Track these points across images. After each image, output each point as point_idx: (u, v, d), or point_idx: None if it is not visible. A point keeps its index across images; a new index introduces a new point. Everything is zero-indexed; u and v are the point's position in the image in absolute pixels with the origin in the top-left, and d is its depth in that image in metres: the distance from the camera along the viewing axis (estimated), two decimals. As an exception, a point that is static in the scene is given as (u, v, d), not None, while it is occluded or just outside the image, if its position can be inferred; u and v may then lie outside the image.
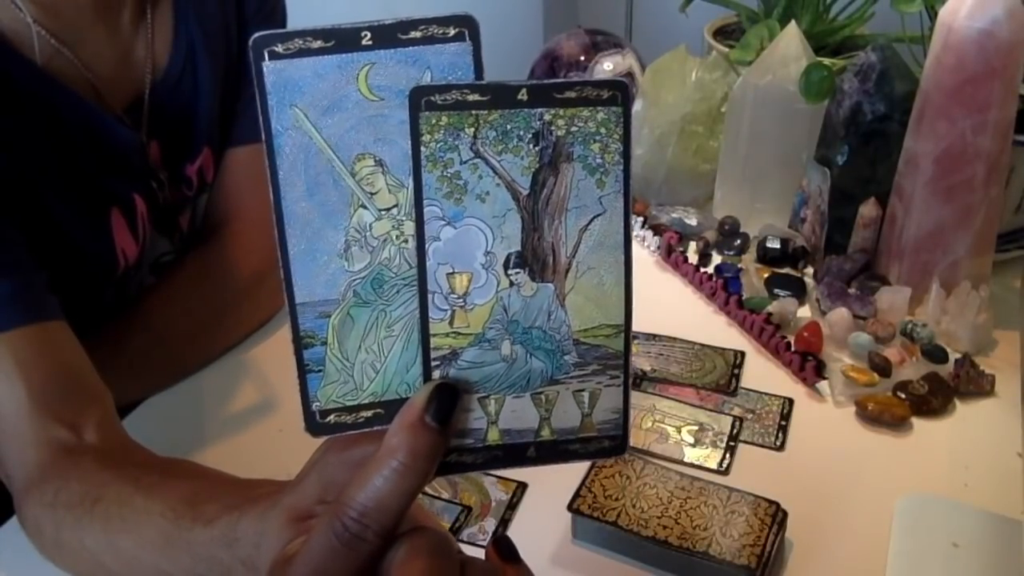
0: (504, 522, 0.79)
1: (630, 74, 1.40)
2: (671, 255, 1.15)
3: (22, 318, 0.75)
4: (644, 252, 1.18)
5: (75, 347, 0.78)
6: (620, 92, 0.44)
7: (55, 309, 0.78)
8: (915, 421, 0.90)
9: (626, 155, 0.44)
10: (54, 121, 0.84)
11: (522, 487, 0.82)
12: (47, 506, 0.69)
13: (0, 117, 0.80)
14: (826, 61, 1.14)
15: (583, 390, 0.47)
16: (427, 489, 0.81)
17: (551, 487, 0.79)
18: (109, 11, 0.90)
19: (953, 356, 0.96)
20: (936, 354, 0.96)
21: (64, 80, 0.85)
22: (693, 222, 1.21)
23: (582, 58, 1.41)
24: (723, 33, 1.39)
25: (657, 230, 1.19)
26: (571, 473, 0.77)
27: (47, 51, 0.84)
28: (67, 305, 0.79)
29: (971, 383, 0.92)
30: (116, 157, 0.90)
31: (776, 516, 0.74)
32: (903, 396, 0.90)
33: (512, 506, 0.81)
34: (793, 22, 1.17)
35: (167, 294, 0.98)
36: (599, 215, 0.45)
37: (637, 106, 1.25)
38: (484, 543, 0.77)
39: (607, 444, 0.48)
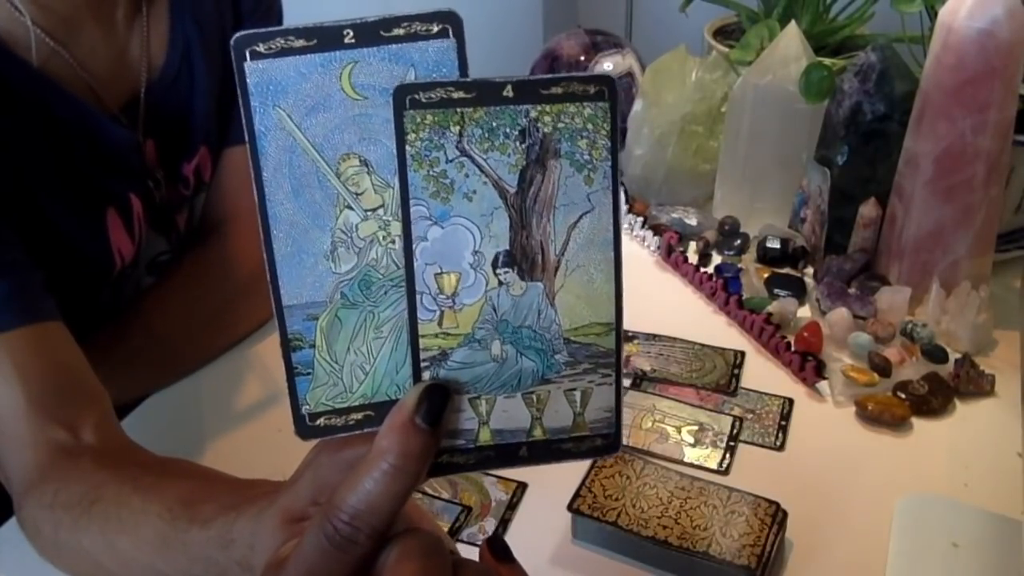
0: (504, 522, 0.79)
1: (630, 74, 1.39)
2: (671, 255, 1.15)
3: (19, 319, 0.75)
4: (644, 252, 1.18)
5: (72, 348, 0.78)
6: (606, 87, 0.44)
7: (52, 310, 0.78)
8: (915, 421, 0.89)
9: (614, 151, 0.44)
10: (50, 121, 0.84)
11: (522, 487, 0.82)
12: (46, 507, 0.69)
13: None
14: (826, 61, 1.14)
15: (575, 389, 0.46)
16: (427, 489, 0.82)
17: (551, 487, 0.79)
18: (105, 10, 0.89)
19: (953, 356, 0.95)
20: (936, 354, 0.96)
21: (60, 80, 0.85)
22: (693, 222, 1.21)
23: (582, 58, 1.41)
24: (723, 33, 1.39)
25: (657, 230, 1.19)
26: (571, 473, 0.77)
27: (43, 51, 0.84)
28: (64, 305, 0.79)
29: (971, 383, 0.92)
30: (112, 156, 0.90)
31: (776, 516, 0.73)
32: (903, 396, 0.90)
33: (512, 506, 0.81)
34: (793, 22, 1.17)
35: (165, 294, 0.99)
36: (587, 212, 0.44)
37: (637, 106, 1.25)
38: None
39: (600, 443, 0.47)
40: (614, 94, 0.44)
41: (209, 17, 0.98)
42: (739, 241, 1.17)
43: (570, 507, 0.75)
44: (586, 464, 0.78)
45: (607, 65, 1.40)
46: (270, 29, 0.42)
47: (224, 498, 0.58)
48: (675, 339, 1.01)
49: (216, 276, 1.01)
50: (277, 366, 1.03)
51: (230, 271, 1.02)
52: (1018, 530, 0.76)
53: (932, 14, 1.03)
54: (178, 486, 0.64)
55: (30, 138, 0.83)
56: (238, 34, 0.42)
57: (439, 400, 0.44)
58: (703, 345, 1.00)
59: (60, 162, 0.86)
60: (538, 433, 0.46)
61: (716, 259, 1.16)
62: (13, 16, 0.82)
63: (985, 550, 0.75)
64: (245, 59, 0.43)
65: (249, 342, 1.03)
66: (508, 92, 0.43)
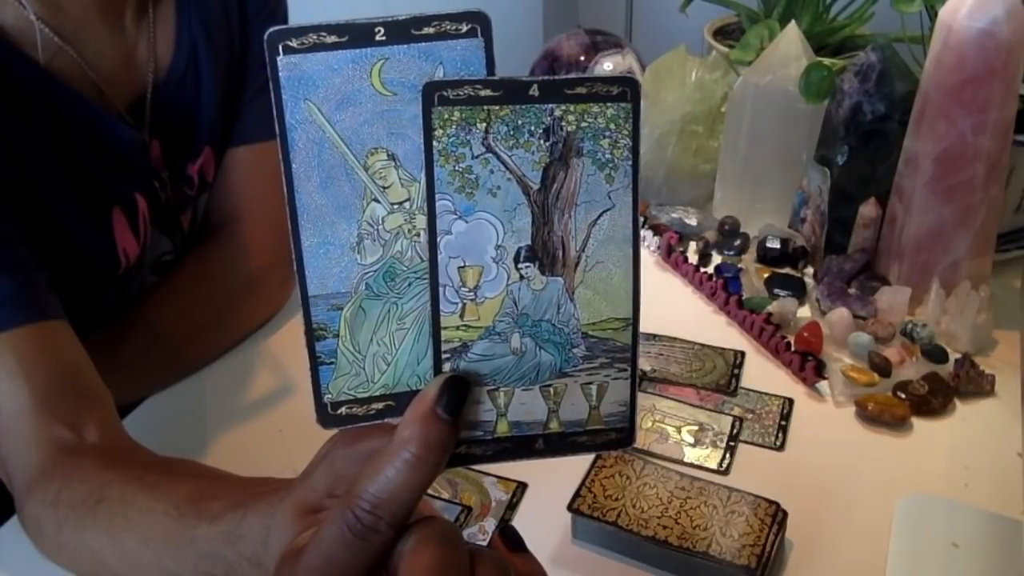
0: (504, 522, 0.79)
1: (630, 74, 1.40)
2: (671, 255, 1.15)
3: (24, 317, 0.75)
4: (644, 252, 1.18)
5: (76, 347, 0.78)
6: (629, 88, 0.45)
7: (57, 308, 0.78)
8: (915, 421, 0.90)
9: (635, 151, 0.45)
10: (56, 120, 0.84)
11: (522, 487, 0.82)
12: (49, 506, 0.69)
13: (2, 116, 0.80)
14: (826, 61, 1.14)
15: (591, 383, 0.47)
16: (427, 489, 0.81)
17: (551, 487, 0.79)
18: (112, 9, 0.90)
19: (953, 356, 0.96)
20: (936, 354, 0.96)
21: (67, 79, 0.85)
22: (693, 222, 1.21)
23: (582, 58, 1.42)
24: (723, 33, 1.39)
25: (657, 230, 1.19)
26: (571, 473, 0.77)
27: (50, 49, 0.83)
28: (68, 304, 0.79)
29: (971, 383, 0.92)
30: (118, 156, 0.90)
31: (776, 516, 0.74)
32: (903, 396, 0.91)
33: (512, 506, 0.81)
34: (793, 22, 1.17)
35: (167, 294, 0.99)
36: (608, 210, 0.45)
37: (638, 106, 1.25)
38: (484, 543, 0.76)
39: (614, 436, 0.48)
40: (637, 95, 0.45)
41: (215, 19, 0.98)
42: (739, 241, 1.17)
43: (570, 507, 0.75)
44: (586, 464, 0.78)
45: (607, 65, 1.40)
46: (303, 25, 0.43)
47: (232, 495, 0.58)
48: (675, 339, 1.01)
49: (218, 277, 1.01)
50: (278, 367, 1.03)
51: (232, 272, 1.02)
52: (1018, 530, 0.77)
53: (932, 14, 1.04)
54: (184, 484, 0.64)
55: (36, 136, 0.83)
56: (272, 29, 0.43)
57: (460, 391, 0.44)
58: (703, 345, 1.00)
59: (66, 161, 0.86)
60: (554, 426, 0.47)
61: (716, 259, 1.17)
62: (20, 13, 0.82)
63: (985, 550, 0.75)
64: (278, 53, 0.43)
65: (250, 342, 1.03)
66: (534, 91, 0.43)
